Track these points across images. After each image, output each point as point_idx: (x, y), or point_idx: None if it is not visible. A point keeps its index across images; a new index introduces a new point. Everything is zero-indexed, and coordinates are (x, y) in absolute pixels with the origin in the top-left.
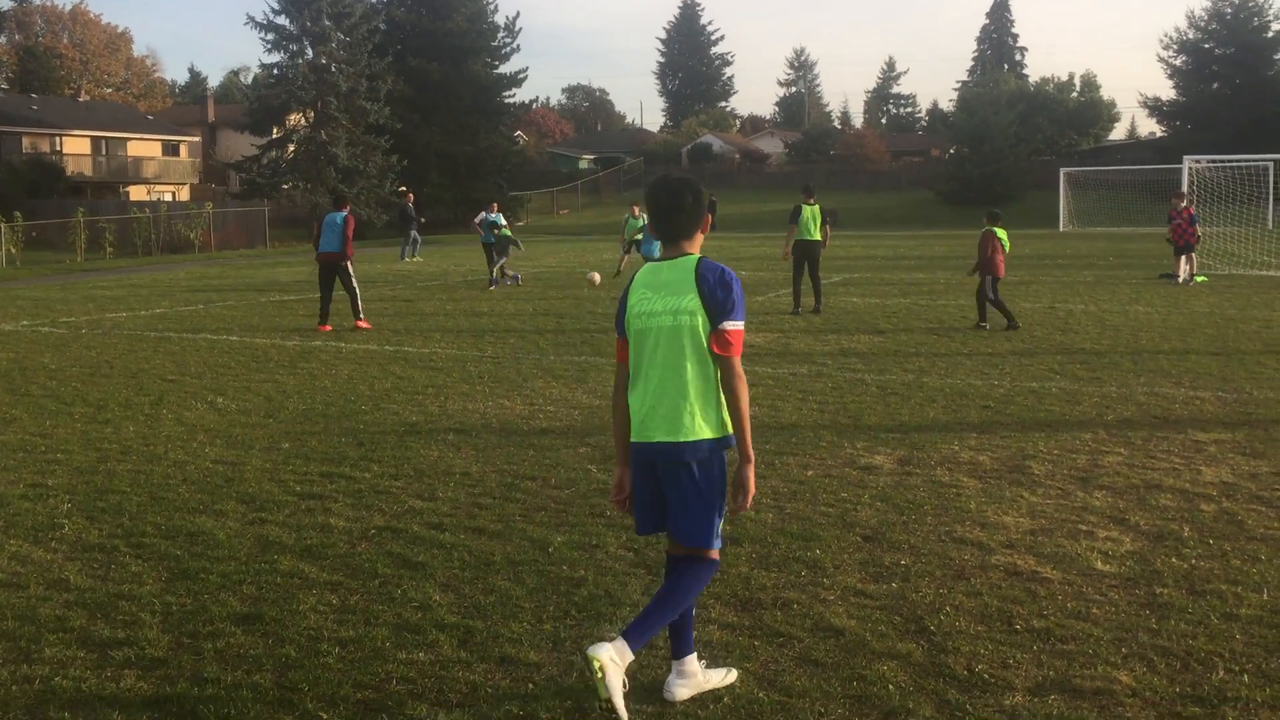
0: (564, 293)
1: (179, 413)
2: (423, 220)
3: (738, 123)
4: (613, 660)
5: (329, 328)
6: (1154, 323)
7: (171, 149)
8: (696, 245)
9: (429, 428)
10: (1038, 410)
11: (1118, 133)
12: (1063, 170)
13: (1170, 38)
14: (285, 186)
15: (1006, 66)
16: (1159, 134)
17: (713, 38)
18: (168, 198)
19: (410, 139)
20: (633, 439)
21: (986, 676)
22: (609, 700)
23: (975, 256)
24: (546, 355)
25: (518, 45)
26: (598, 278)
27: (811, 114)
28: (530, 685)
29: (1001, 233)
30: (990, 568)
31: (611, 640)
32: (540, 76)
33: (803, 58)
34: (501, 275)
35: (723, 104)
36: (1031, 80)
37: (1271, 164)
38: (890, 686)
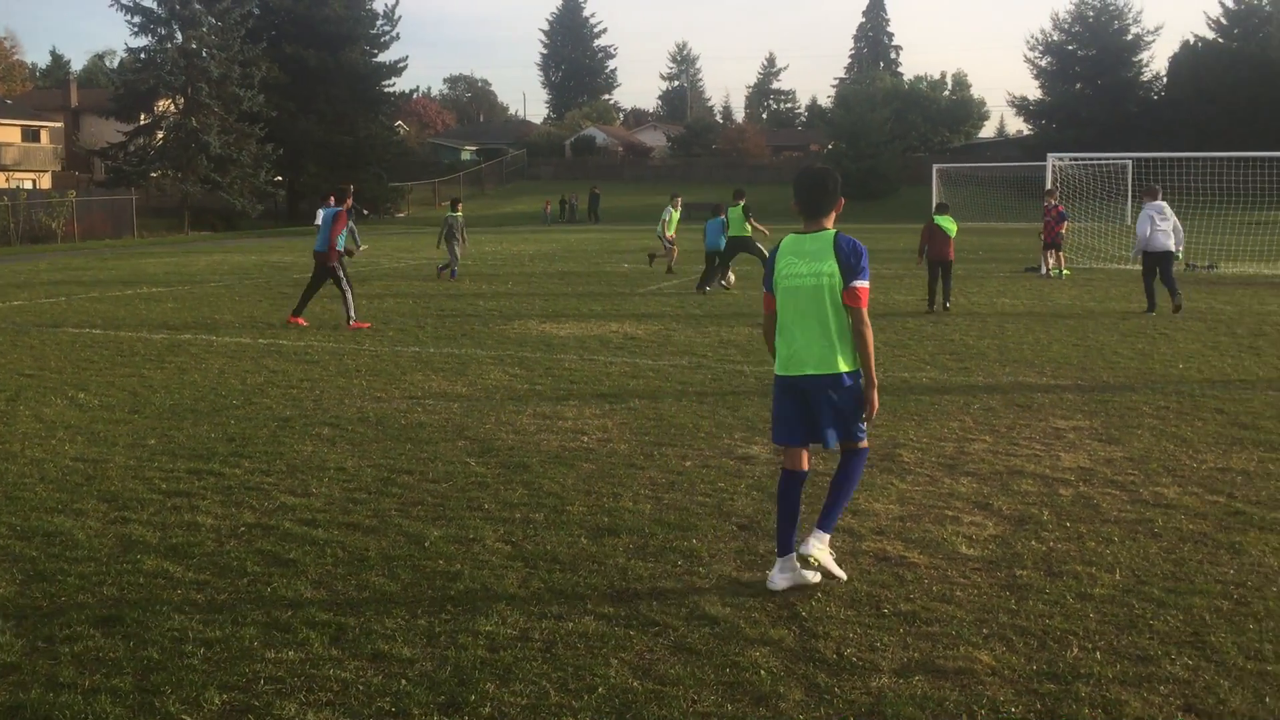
0: (446, 286)
1: (37, 409)
2: (365, 212)
3: (621, 116)
4: (818, 547)
5: (303, 321)
6: (1019, 314)
7: (31, 134)
8: (832, 221)
9: (303, 422)
10: (908, 400)
11: (987, 130)
12: (935, 166)
13: (1036, 39)
14: (154, 175)
15: (882, 65)
16: (1026, 132)
17: (595, 30)
18: (27, 185)
19: (286, 128)
20: (782, 372)
21: (854, 659)
22: (828, 570)
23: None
24: (426, 348)
25: (397, 33)
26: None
27: (694, 108)
28: (403, 681)
29: (942, 221)
30: (860, 554)
31: (811, 534)
32: (421, 66)
33: (685, 52)
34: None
35: (606, 96)
36: (906, 78)
37: (1131, 161)
38: (762, 672)
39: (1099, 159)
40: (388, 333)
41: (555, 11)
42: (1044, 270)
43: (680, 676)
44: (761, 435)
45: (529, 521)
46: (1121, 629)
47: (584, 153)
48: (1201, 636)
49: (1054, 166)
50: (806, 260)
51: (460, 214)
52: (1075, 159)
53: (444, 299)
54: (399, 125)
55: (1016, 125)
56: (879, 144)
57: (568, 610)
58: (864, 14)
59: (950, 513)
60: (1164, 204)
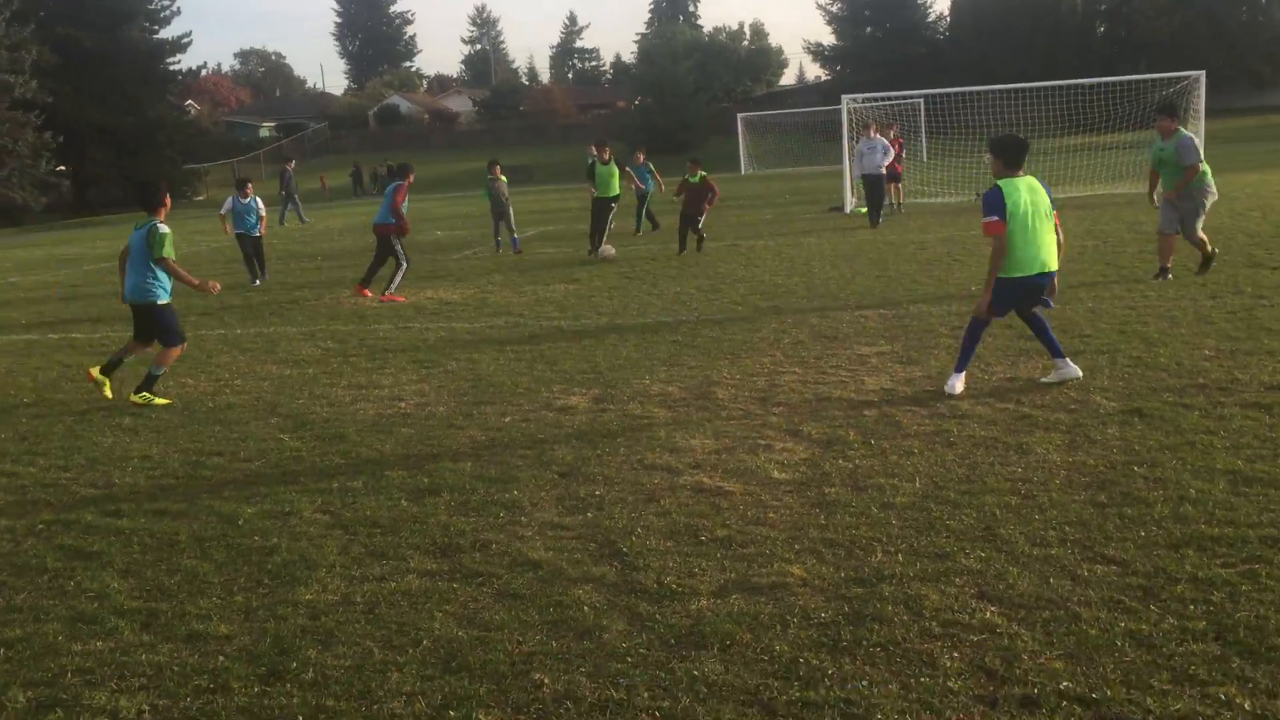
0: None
1: None
2: (292, 189)
3: (424, 83)
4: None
5: (368, 293)
6: (824, 253)
7: None
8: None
9: (101, 415)
10: (722, 341)
11: (788, 78)
12: (740, 116)
13: None
14: None
15: (681, 18)
16: (824, 77)
17: None
18: None
19: (64, 113)
20: (1023, 274)
21: (674, 586)
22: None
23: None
24: (233, 329)
25: (178, 8)
26: (613, 251)
27: (498, 71)
28: (220, 658)
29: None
30: (678, 488)
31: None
32: (208, 41)
33: (485, 14)
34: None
35: (407, 64)
36: (706, 30)
37: (923, 100)
38: (586, 608)
39: (891, 98)
40: (189, 317)
41: None
42: (895, 204)
43: (505, 621)
44: (580, 386)
45: (347, 490)
46: (921, 531)
47: (389, 122)
48: (993, 530)
49: (849, 109)
50: (1033, 195)
51: (503, 179)
52: (869, 99)
53: (248, 279)
54: (189, 105)
55: (815, 71)
56: (684, 97)
57: (390, 571)
58: None
59: (763, 442)
60: (879, 138)
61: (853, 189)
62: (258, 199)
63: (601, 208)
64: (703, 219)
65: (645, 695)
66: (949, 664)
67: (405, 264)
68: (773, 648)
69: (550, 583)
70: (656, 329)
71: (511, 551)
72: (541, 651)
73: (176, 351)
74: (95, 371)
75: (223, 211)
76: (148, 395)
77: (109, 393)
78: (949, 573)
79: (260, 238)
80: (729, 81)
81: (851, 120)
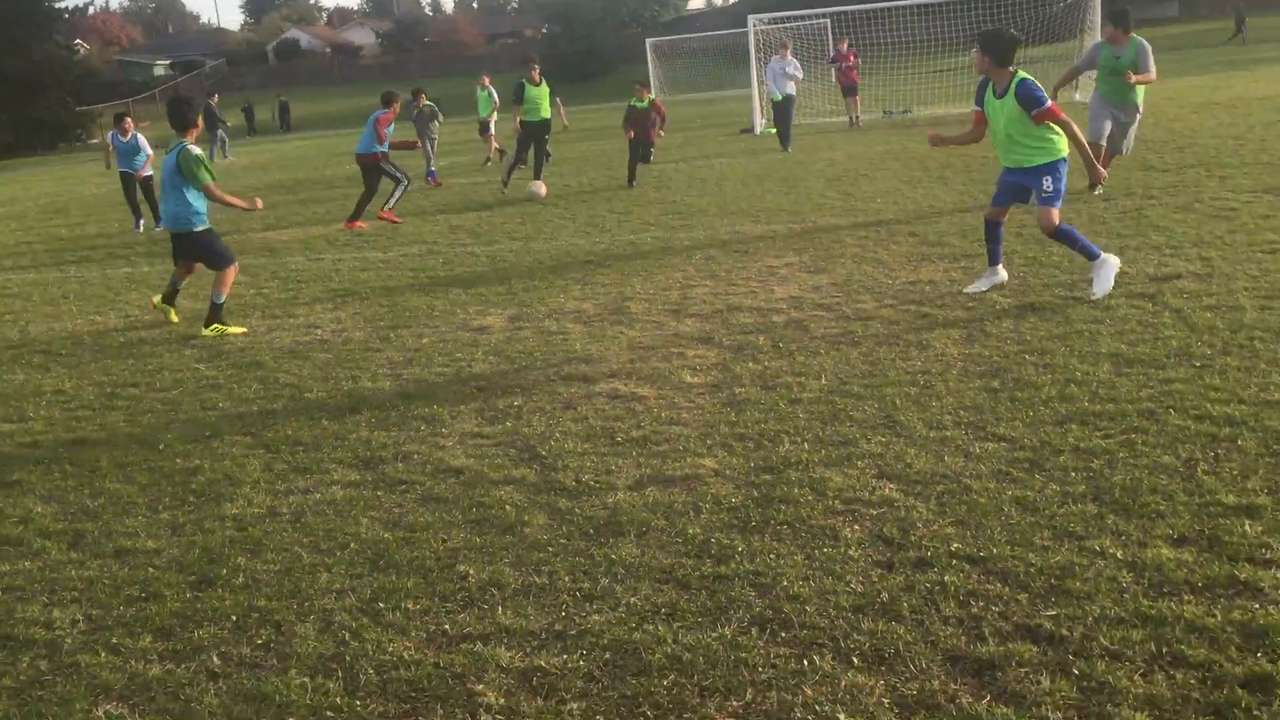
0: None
1: None
2: (227, 123)
3: (324, 15)
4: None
5: (361, 224)
6: (736, 173)
7: None
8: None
9: (10, 354)
10: (635, 259)
11: (696, 1)
12: (649, 41)
13: None
14: None
15: None
16: (732, 0)
17: None
18: None
19: None
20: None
21: (592, 483)
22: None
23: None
24: (140, 267)
25: None
26: (543, 189)
27: (401, 2)
28: (150, 570)
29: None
30: (594, 396)
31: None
32: None
33: None
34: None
35: None
36: None
37: (829, 20)
38: (508, 507)
39: (798, 18)
40: (95, 257)
41: None
42: (853, 119)
43: (429, 522)
44: (496, 307)
45: (267, 412)
46: (826, 422)
47: (289, 57)
48: (892, 418)
49: (755, 30)
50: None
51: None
52: (774, 19)
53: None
54: (78, 45)
55: None
56: (591, 23)
57: (314, 484)
58: None
59: (676, 350)
60: (792, 59)
61: (762, 110)
62: (139, 136)
63: (533, 133)
64: (655, 147)
65: (566, 579)
66: (850, 535)
67: (404, 180)
68: (686, 531)
69: (472, 486)
70: (570, 251)
71: (433, 460)
72: (466, 547)
73: (231, 272)
74: (156, 300)
75: (107, 145)
76: (219, 327)
77: (175, 318)
78: (851, 457)
79: (150, 178)
80: (636, 7)
81: (759, 42)
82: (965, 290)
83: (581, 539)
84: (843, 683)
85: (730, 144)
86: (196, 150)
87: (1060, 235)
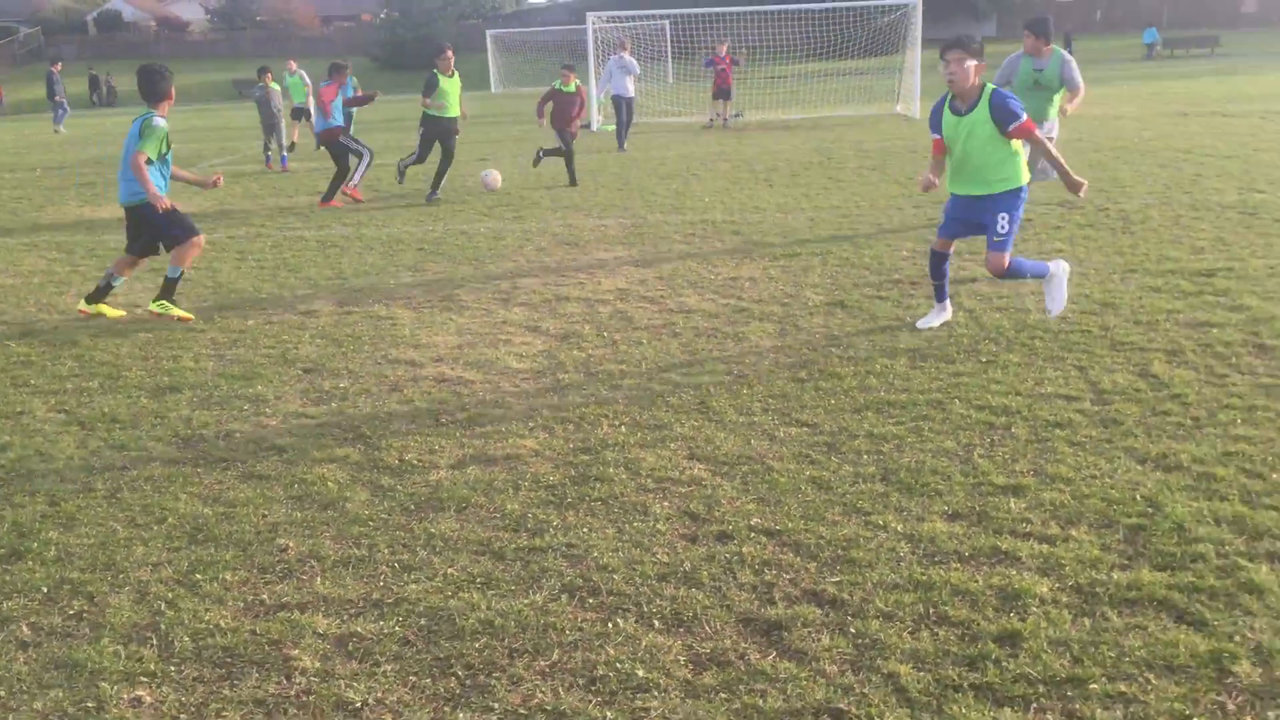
0: None
1: None
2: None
3: None
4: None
5: (338, 203)
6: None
7: None
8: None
9: None
10: (467, 249)
11: None
12: (489, 33)
13: None
14: None
15: None
16: None
17: None
18: None
19: None
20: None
21: (415, 462)
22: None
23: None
24: None
25: None
26: (498, 178)
27: None
28: None
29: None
30: (421, 379)
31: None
32: None
33: None
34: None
35: None
36: None
37: (668, 21)
38: (330, 484)
39: (637, 17)
40: None
41: None
42: (712, 120)
43: (250, 498)
44: (326, 292)
45: (82, 390)
46: (644, 407)
47: (110, 30)
48: (706, 404)
49: (594, 28)
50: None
51: (276, 87)
52: (613, 18)
53: None
54: None
55: None
56: (431, 11)
57: (132, 461)
58: None
59: (504, 337)
60: (631, 58)
61: (599, 107)
62: None
63: (438, 131)
64: (574, 136)
65: (385, 551)
66: (659, 511)
67: (367, 155)
68: (504, 507)
69: (295, 463)
70: (401, 239)
71: (256, 439)
72: (286, 521)
73: (194, 245)
74: (86, 305)
75: None
76: (167, 304)
77: (114, 313)
78: (665, 439)
79: None
80: None
81: (598, 39)
82: (917, 325)
83: (402, 514)
84: (643, 643)
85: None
86: (159, 123)
87: (1010, 274)
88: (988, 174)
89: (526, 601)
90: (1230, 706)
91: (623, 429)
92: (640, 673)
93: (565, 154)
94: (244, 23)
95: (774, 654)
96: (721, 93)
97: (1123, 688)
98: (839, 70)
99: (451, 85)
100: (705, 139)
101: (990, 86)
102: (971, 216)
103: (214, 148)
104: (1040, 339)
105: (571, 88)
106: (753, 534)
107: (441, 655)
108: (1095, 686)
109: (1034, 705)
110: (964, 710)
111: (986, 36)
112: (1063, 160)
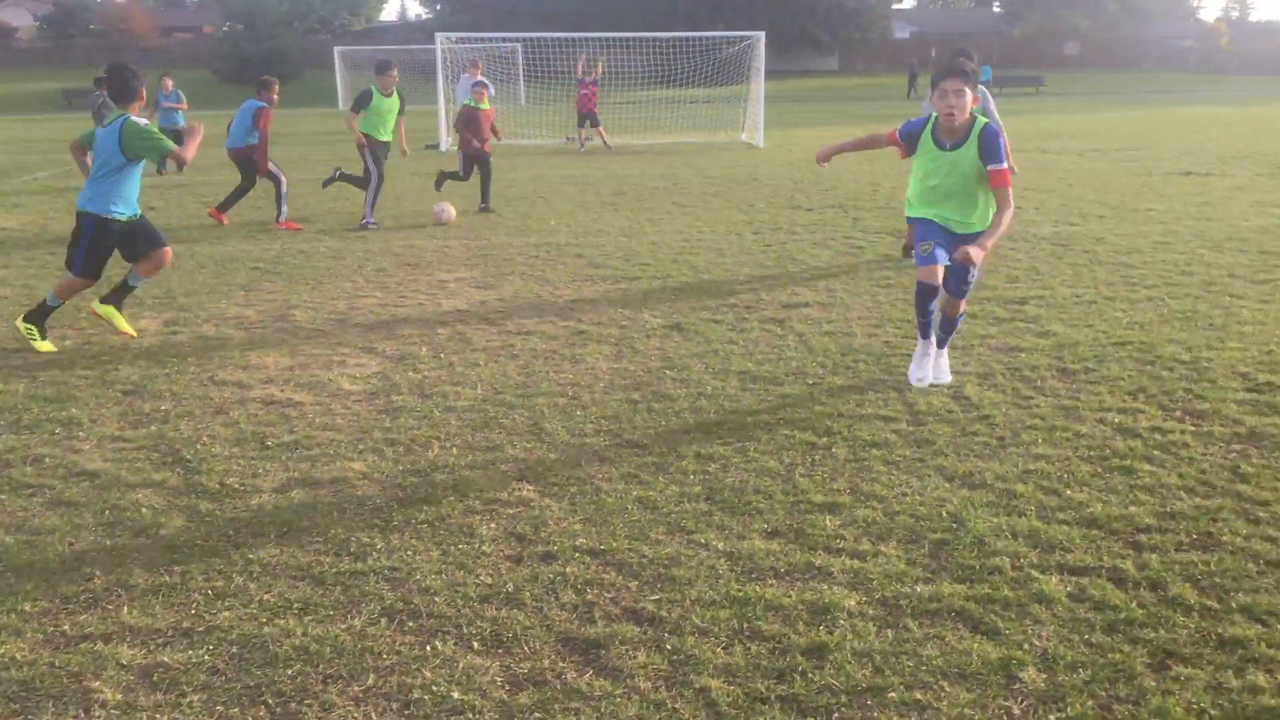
0: None
1: None
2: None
3: None
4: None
5: (292, 225)
6: (416, 188)
7: None
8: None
9: None
10: (305, 268)
11: (389, 14)
12: (337, 49)
13: None
14: None
15: None
16: (425, 16)
17: None
18: None
19: None
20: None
21: (236, 486)
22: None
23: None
24: None
25: None
26: (452, 213)
27: None
28: None
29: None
30: (248, 401)
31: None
32: None
33: None
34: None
35: None
36: None
37: (521, 44)
38: (144, 510)
39: (487, 39)
40: None
41: None
42: (581, 142)
43: (56, 525)
44: (151, 310)
45: None
46: (477, 429)
47: None
48: (540, 426)
49: (444, 48)
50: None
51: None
52: (463, 39)
53: None
54: None
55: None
56: (276, 25)
57: None
58: None
59: (337, 358)
60: (483, 78)
61: (449, 128)
62: None
63: (376, 156)
64: (489, 155)
65: (200, 578)
66: (486, 532)
67: (282, 180)
68: (328, 531)
69: (107, 489)
70: (236, 256)
71: (67, 464)
72: (94, 549)
73: (160, 260)
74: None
75: None
76: (113, 311)
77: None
78: (497, 461)
79: None
80: (326, 14)
81: (446, 59)
82: (911, 381)
83: (220, 540)
84: (461, 665)
85: (413, 160)
86: (142, 120)
87: (958, 319)
88: (969, 214)
89: (344, 626)
90: (1016, 711)
91: (454, 451)
92: (456, 695)
93: (488, 174)
94: (76, 31)
95: (590, 672)
96: (583, 118)
97: (919, 695)
98: (687, 98)
99: (389, 105)
100: (555, 160)
101: (982, 120)
102: (946, 242)
103: (39, 159)
104: (864, 362)
105: (486, 105)
106: (577, 554)
107: (252, 683)
108: (893, 695)
109: (835, 714)
110: None
111: (828, 71)
112: (1004, 229)
